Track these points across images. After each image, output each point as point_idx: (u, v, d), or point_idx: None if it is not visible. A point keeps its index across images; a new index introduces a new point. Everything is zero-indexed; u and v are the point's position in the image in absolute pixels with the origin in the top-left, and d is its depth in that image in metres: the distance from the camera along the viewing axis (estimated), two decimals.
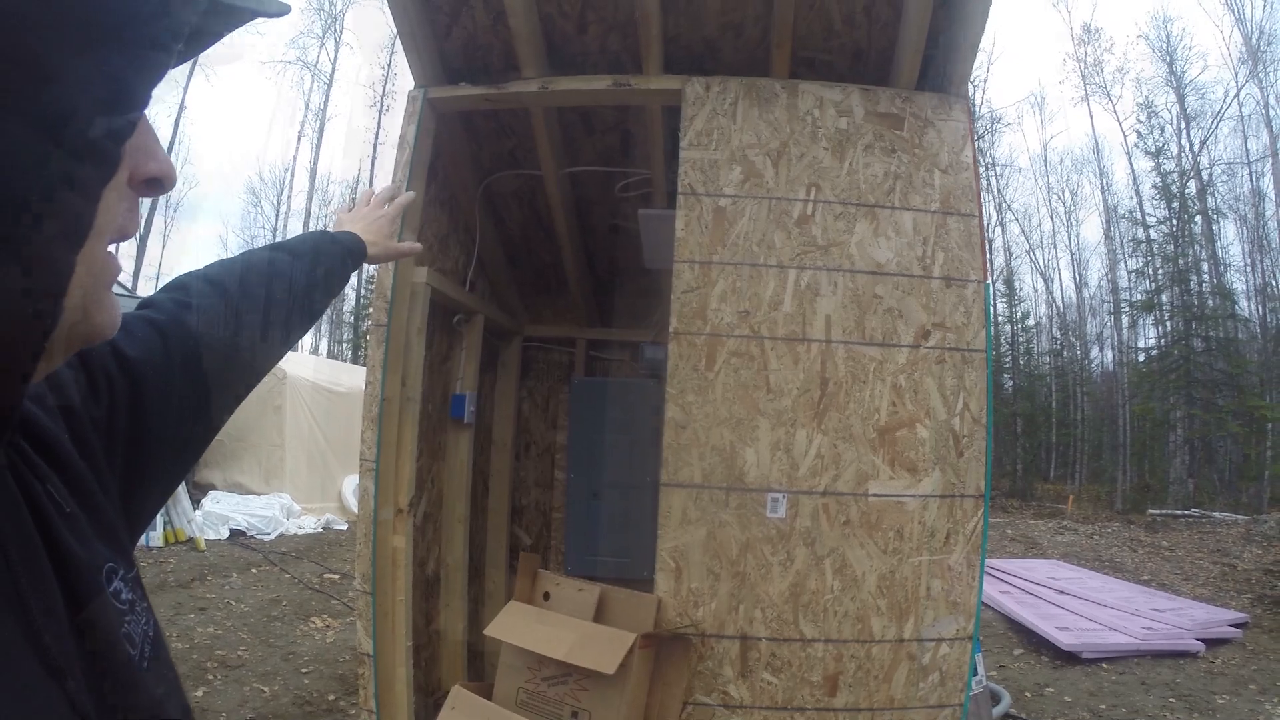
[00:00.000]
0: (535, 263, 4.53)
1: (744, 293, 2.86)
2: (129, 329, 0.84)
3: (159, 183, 0.61)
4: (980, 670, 4.26)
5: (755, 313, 2.85)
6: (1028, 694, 6.03)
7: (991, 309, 2.92)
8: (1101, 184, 31.56)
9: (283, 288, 1.07)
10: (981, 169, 31.58)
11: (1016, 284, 31.44)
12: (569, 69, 3.33)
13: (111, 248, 0.59)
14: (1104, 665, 6.70)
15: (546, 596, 3.05)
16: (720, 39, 3.20)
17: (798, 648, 2.75)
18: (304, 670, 5.71)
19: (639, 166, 3.83)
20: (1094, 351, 32.51)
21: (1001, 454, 27.94)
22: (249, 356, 1.01)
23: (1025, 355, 30.43)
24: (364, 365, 3.38)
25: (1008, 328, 30.14)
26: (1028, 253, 33.16)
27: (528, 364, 4.73)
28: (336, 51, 34.16)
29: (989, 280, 2.93)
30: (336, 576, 8.26)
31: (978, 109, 31.89)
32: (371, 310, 3.30)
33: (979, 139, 31.18)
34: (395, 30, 3.23)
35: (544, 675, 2.83)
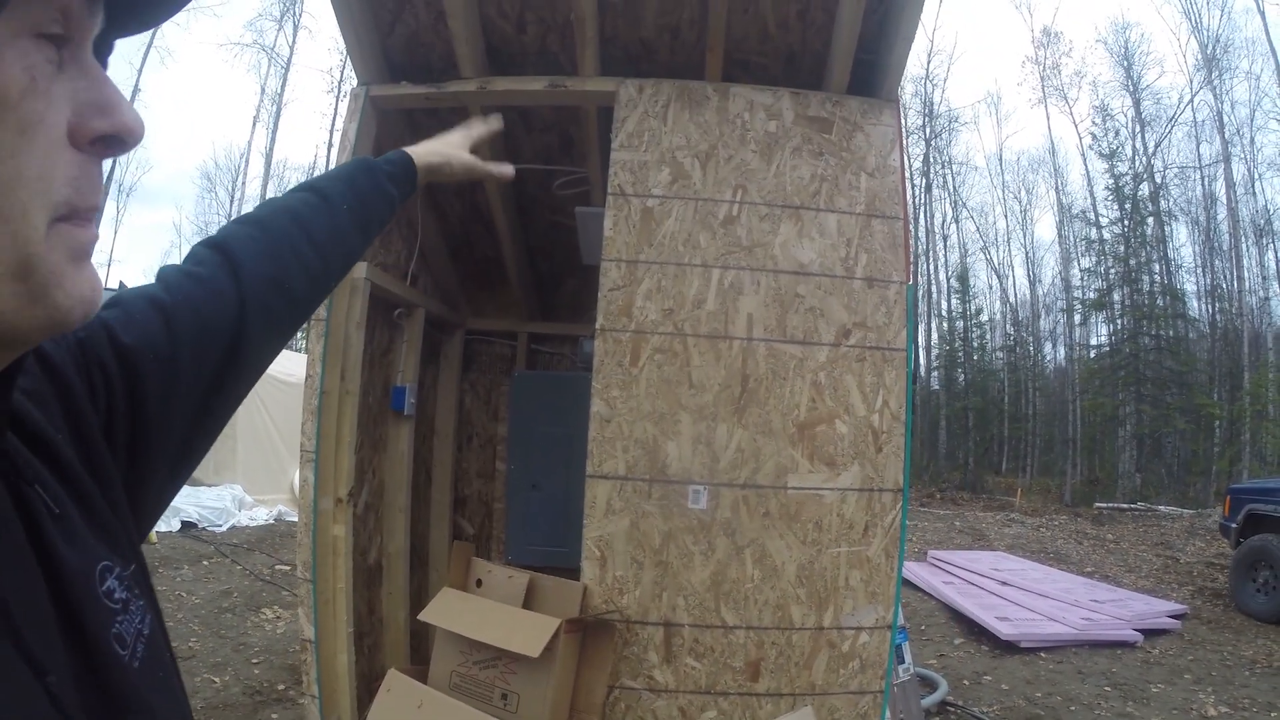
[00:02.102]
0: (477, 257, 4.59)
1: (669, 291, 2.96)
2: (128, 312, 0.77)
3: (117, 141, 0.53)
4: (908, 658, 4.38)
5: (679, 310, 2.94)
6: (966, 682, 6.16)
7: (913, 309, 3.03)
8: (1056, 184, 31.96)
9: (305, 237, 0.96)
10: (938, 167, 31.87)
11: (971, 280, 31.79)
12: (509, 69, 3.40)
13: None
14: (1042, 654, 6.85)
15: (479, 583, 3.14)
16: (657, 40, 3.28)
17: (720, 634, 2.85)
18: (254, 660, 5.74)
19: (577, 165, 3.91)
20: (1047, 348, 32.99)
21: (955, 447, 28.26)
22: (274, 315, 0.90)
23: (979, 351, 30.79)
24: None
25: (960, 323, 30.52)
26: (982, 249, 33.58)
27: (470, 357, 4.80)
28: (295, 35, 33.66)
29: (911, 281, 3.03)
30: (288, 568, 8.25)
31: (936, 107, 32.12)
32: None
33: (935, 138, 31.41)
34: (339, 26, 3.27)
35: (475, 659, 2.92)
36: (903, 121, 3.17)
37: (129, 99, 0.53)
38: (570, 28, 3.18)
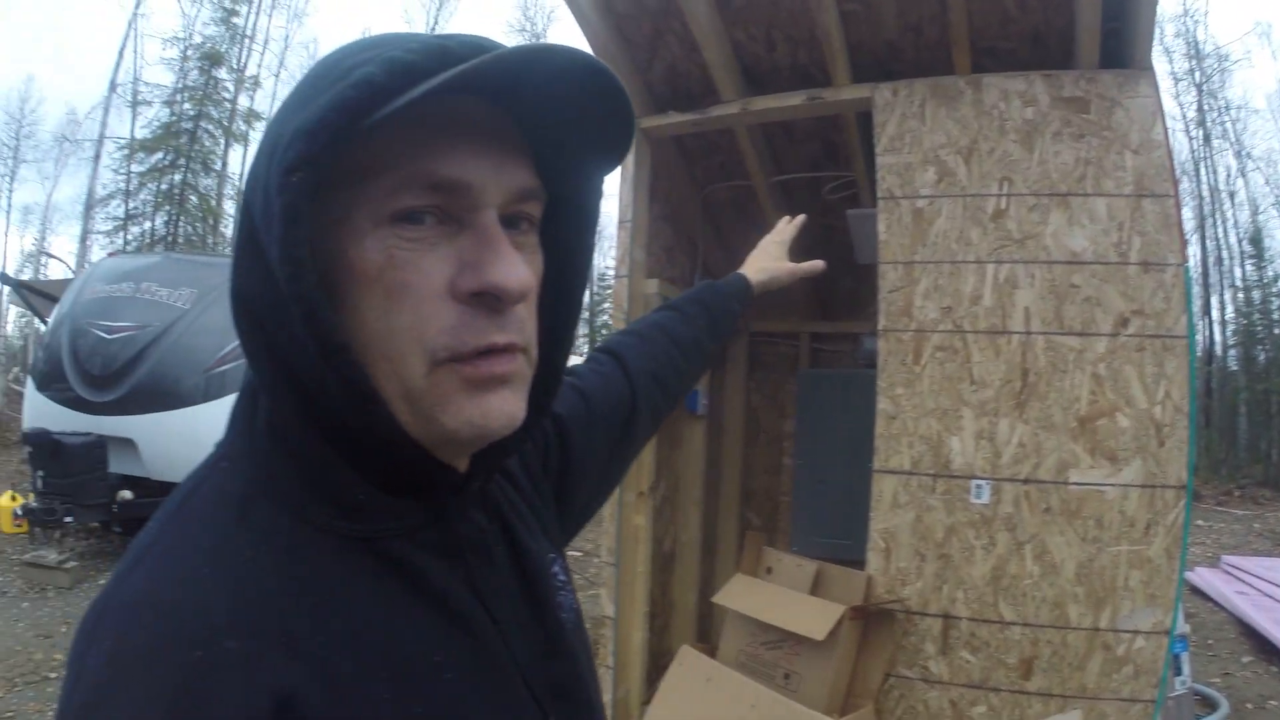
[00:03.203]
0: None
1: (945, 289, 3.00)
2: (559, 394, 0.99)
3: (490, 297, 0.62)
4: (1186, 671, 4.09)
5: (957, 308, 2.98)
6: (1249, 705, 5.45)
7: (1192, 293, 2.88)
8: None
9: (673, 344, 1.23)
10: (1214, 114, 27.86)
11: (1265, 241, 27.37)
12: (764, 86, 3.54)
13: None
14: None
15: (769, 570, 3.34)
16: (901, 41, 3.31)
17: (996, 629, 2.85)
18: None
19: (842, 169, 4.00)
20: None
21: (1256, 436, 24.46)
22: (654, 402, 1.17)
23: None
24: None
25: (1256, 293, 26.52)
26: (1275, 205, 28.96)
27: (755, 358, 4.93)
28: None
29: (1188, 262, 2.89)
30: (579, 554, 8.85)
31: (1201, 46, 28.00)
32: (609, 320, 3.71)
33: (1206, 81, 27.36)
34: None
35: (762, 640, 3.12)
36: (1160, 88, 2.95)
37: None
38: (817, 40, 3.28)
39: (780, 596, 3.12)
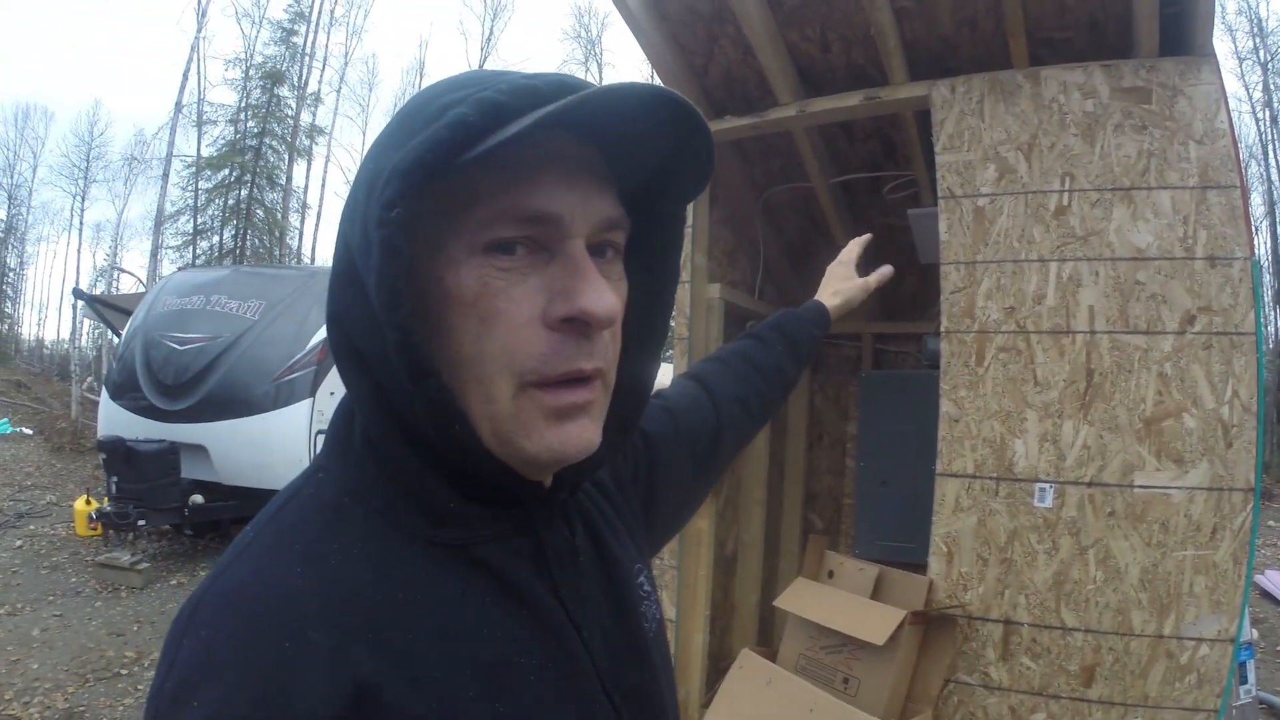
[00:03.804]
0: (817, 266, 4.65)
1: (1008, 289, 2.95)
2: (649, 413, 1.04)
3: (580, 323, 0.65)
4: (1251, 679, 3.94)
5: (1020, 308, 2.93)
6: None
7: (1261, 286, 2.78)
8: None
9: (755, 371, 1.27)
10: None
11: None
12: (821, 88, 3.53)
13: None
14: None
15: (830, 574, 3.31)
16: (957, 36, 3.26)
17: (1058, 635, 2.80)
18: None
19: (902, 168, 3.96)
20: None
21: None
22: (738, 425, 1.21)
23: None
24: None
25: None
26: None
27: (818, 359, 4.89)
28: (600, 73, 35.20)
29: (1255, 256, 2.78)
30: None
31: (1265, 23, 26.63)
32: (673, 324, 3.72)
33: (1271, 59, 25.82)
34: (657, 77, 3.57)
35: (822, 644, 3.10)
36: (1222, 73, 2.85)
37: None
38: (872, 39, 3.25)
39: (841, 601, 3.09)
